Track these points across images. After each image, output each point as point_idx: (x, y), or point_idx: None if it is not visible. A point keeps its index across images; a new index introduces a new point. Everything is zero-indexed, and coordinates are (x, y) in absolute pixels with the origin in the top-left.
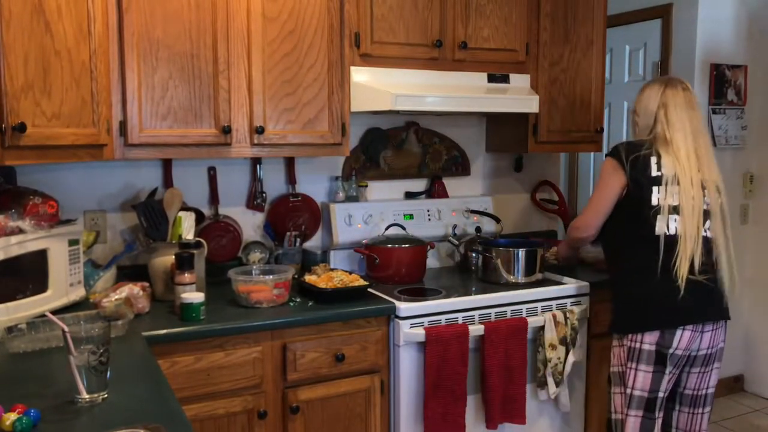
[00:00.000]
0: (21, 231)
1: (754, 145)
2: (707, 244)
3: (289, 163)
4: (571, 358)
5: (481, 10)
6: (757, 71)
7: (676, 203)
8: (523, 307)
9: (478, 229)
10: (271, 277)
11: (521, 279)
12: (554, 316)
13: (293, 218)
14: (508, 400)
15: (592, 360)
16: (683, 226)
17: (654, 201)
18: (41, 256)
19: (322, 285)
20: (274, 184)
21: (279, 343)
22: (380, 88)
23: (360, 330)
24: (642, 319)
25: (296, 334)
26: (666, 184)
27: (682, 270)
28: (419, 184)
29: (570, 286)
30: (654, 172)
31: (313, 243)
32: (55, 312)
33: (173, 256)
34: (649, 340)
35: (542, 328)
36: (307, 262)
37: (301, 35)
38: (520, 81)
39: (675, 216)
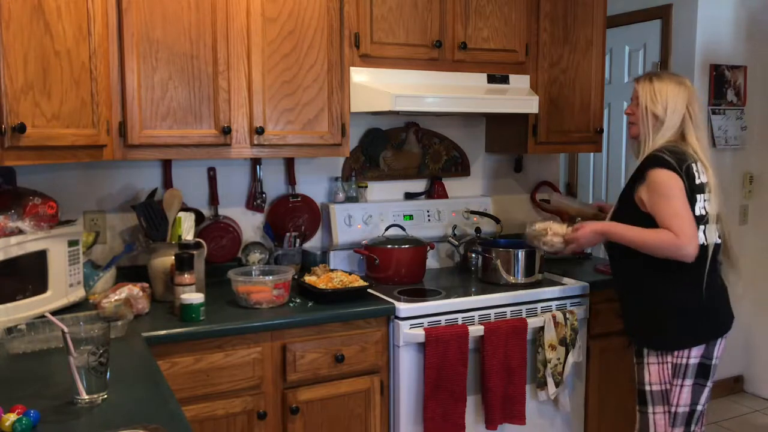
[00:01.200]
0: (21, 232)
1: (754, 145)
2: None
3: (289, 163)
4: (570, 359)
5: (481, 10)
6: (757, 72)
7: (711, 211)
8: (523, 307)
9: (477, 230)
10: (270, 277)
11: (521, 279)
12: (554, 317)
13: (293, 219)
14: (507, 401)
15: (591, 360)
16: (712, 234)
17: (698, 211)
18: (41, 256)
19: (321, 286)
20: (273, 185)
21: (279, 344)
22: (380, 88)
23: (360, 331)
24: (693, 333)
25: (296, 334)
26: (705, 192)
27: (719, 278)
28: (419, 185)
29: (570, 286)
30: (698, 179)
31: (313, 244)
32: (54, 313)
33: (173, 257)
34: (696, 354)
35: (542, 328)
36: (306, 262)
37: (300, 36)
38: (519, 81)
39: (709, 225)
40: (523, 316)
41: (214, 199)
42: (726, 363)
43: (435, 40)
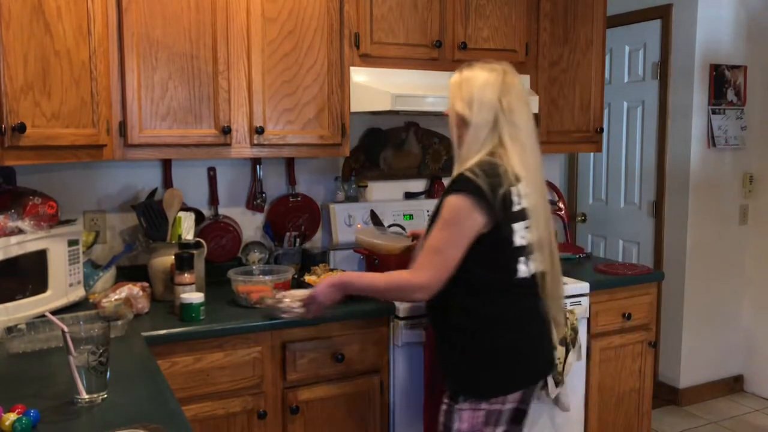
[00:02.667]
0: (21, 231)
1: (754, 145)
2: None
3: (289, 163)
4: (571, 359)
5: (481, 10)
6: (757, 71)
7: (533, 239)
8: None
9: None
10: (270, 277)
11: None
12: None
13: (293, 218)
14: None
15: (592, 360)
16: (544, 264)
17: (518, 241)
18: (41, 256)
19: None
20: (273, 185)
21: (279, 344)
22: (380, 88)
23: (359, 330)
24: (511, 380)
25: (296, 334)
26: (527, 218)
27: (548, 316)
28: (419, 185)
29: (570, 286)
30: (516, 206)
31: (313, 244)
32: (54, 312)
33: (173, 257)
34: (512, 399)
35: None
36: (306, 262)
37: (300, 35)
38: None
39: (535, 254)
40: None
41: (214, 199)
42: (726, 363)
43: (435, 39)
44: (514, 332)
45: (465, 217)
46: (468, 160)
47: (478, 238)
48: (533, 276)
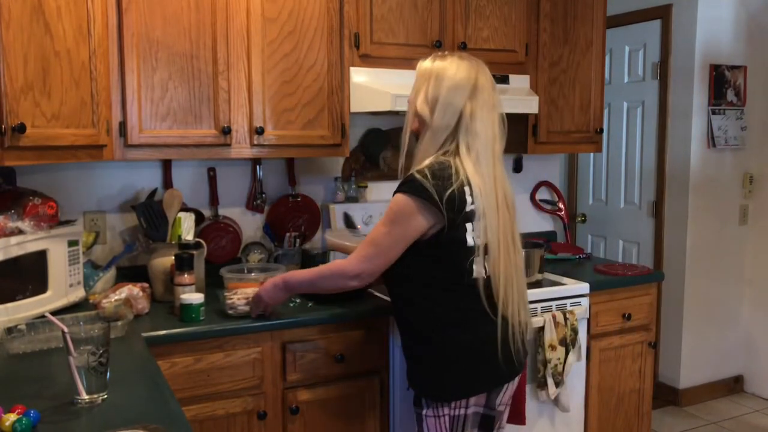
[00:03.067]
0: (21, 232)
1: (754, 145)
2: (519, 275)
3: (289, 163)
4: (570, 359)
5: (481, 10)
6: (757, 72)
7: (484, 240)
8: None
9: None
10: (262, 274)
11: None
12: (554, 317)
13: (293, 219)
14: None
15: (591, 361)
16: (497, 265)
17: (470, 241)
18: (41, 256)
19: None
20: (273, 185)
21: (279, 344)
22: (380, 88)
23: (359, 331)
24: (471, 381)
25: (296, 334)
26: (479, 219)
27: (506, 317)
28: None
29: (570, 286)
30: (469, 206)
31: (313, 244)
32: (54, 313)
33: (173, 257)
34: (474, 403)
35: (542, 328)
36: (306, 262)
37: (300, 36)
38: (519, 82)
39: (491, 255)
40: None
41: (214, 200)
42: (726, 363)
43: (435, 40)
44: (469, 333)
45: (407, 218)
46: (423, 160)
47: (434, 237)
48: (488, 278)
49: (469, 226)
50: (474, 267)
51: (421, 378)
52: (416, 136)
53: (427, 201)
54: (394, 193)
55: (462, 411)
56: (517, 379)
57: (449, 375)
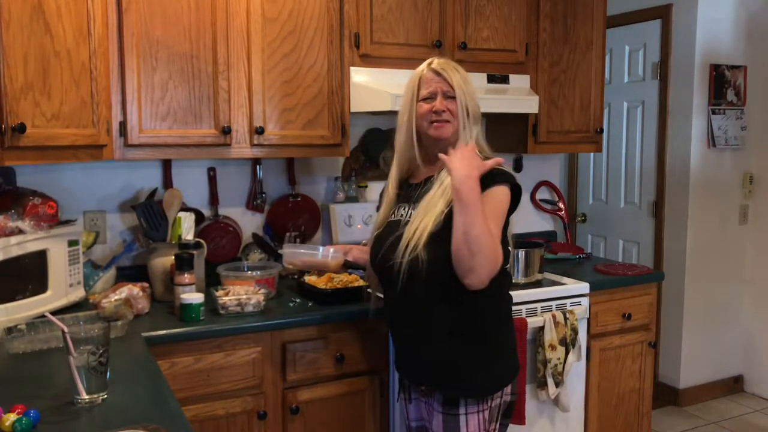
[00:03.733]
0: (21, 231)
1: (754, 145)
2: None
3: (289, 163)
4: (570, 359)
5: (481, 10)
6: (757, 72)
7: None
8: (523, 307)
9: None
10: (257, 272)
11: (521, 279)
12: (554, 317)
13: (293, 219)
14: None
15: (591, 360)
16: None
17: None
18: (41, 256)
19: (322, 285)
20: (273, 185)
21: (279, 344)
22: (380, 88)
23: (359, 330)
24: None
25: (296, 334)
26: None
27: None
28: None
29: (570, 286)
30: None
31: (313, 244)
32: (54, 313)
33: (173, 257)
34: (508, 391)
35: (542, 328)
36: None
37: (300, 36)
38: (519, 81)
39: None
40: (523, 316)
41: (214, 199)
42: (726, 363)
43: (435, 40)
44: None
45: (505, 208)
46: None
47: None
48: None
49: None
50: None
51: (466, 376)
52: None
53: (515, 194)
54: (493, 184)
55: (498, 400)
56: None
57: (496, 367)
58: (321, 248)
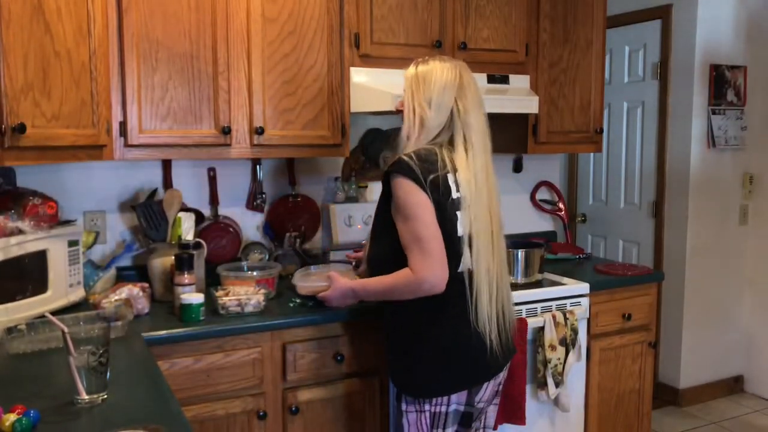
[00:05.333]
0: (21, 232)
1: (754, 145)
2: (502, 269)
3: (289, 163)
4: (570, 359)
5: (481, 10)
6: (757, 72)
7: (474, 230)
8: (523, 307)
9: None
10: (256, 273)
11: (521, 280)
12: (554, 317)
13: (293, 219)
14: (508, 401)
15: (592, 361)
16: (482, 259)
17: (460, 230)
18: (41, 256)
19: None
20: (273, 185)
21: (278, 344)
22: (380, 88)
23: (359, 330)
24: (452, 379)
25: (296, 334)
26: (462, 208)
27: (490, 313)
28: None
29: (570, 286)
30: (455, 193)
31: (313, 244)
32: (54, 313)
33: (173, 257)
34: (456, 401)
35: (542, 328)
36: (306, 263)
37: (300, 36)
38: (519, 82)
39: (475, 247)
40: (523, 316)
41: (214, 200)
42: (726, 363)
43: (435, 40)
44: (452, 330)
45: (413, 195)
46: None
47: None
48: (472, 272)
49: (459, 214)
50: (462, 259)
51: (403, 375)
52: (407, 136)
53: (412, 179)
54: (387, 174)
55: (443, 408)
56: (501, 376)
57: (432, 373)
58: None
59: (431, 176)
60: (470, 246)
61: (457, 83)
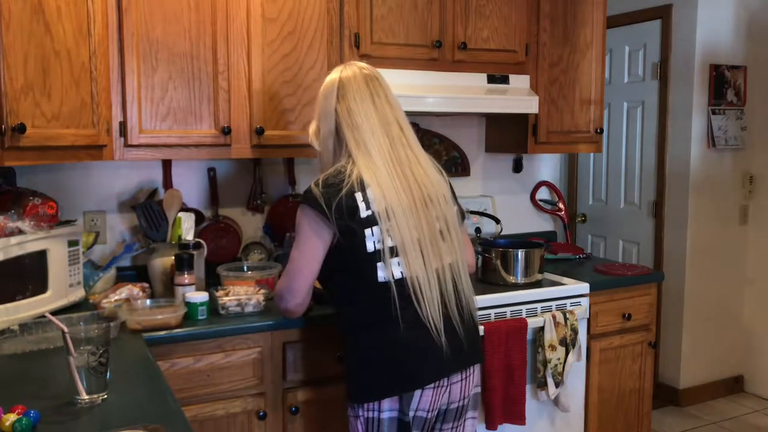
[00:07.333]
0: (21, 232)
1: (754, 145)
2: (447, 273)
3: (289, 163)
4: (570, 359)
5: (481, 10)
6: (757, 72)
7: (396, 241)
8: (523, 307)
9: (477, 230)
10: (255, 272)
11: (521, 280)
12: (554, 317)
13: (293, 219)
14: (508, 401)
15: (591, 361)
16: (411, 266)
17: (371, 247)
18: (41, 257)
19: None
20: (273, 185)
21: (279, 344)
22: None
23: None
24: (379, 384)
25: (296, 334)
26: (381, 222)
27: (432, 317)
28: None
29: (570, 286)
30: (364, 212)
31: None
32: (54, 313)
33: (173, 257)
34: (388, 407)
35: (542, 328)
36: None
37: (300, 36)
38: (519, 82)
39: (402, 256)
40: (523, 316)
41: (214, 200)
42: (726, 363)
43: (435, 40)
44: (378, 336)
45: (309, 230)
46: (324, 171)
47: (334, 246)
48: (401, 279)
49: (368, 231)
50: (379, 272)
51: (346, 379)
52: (318, 160)
53: (316, 210)
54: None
55: (374, 414)
56: (451, 385)
57: (361, 377)
58: None
59: (335, 202)
60: (398, 255)
61: (336, 85)
